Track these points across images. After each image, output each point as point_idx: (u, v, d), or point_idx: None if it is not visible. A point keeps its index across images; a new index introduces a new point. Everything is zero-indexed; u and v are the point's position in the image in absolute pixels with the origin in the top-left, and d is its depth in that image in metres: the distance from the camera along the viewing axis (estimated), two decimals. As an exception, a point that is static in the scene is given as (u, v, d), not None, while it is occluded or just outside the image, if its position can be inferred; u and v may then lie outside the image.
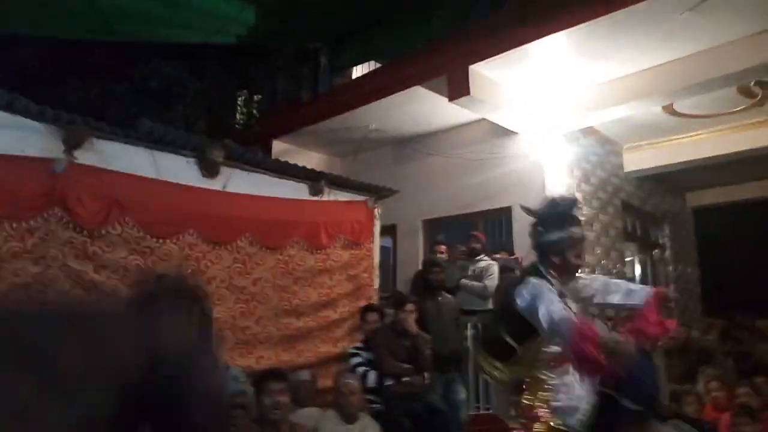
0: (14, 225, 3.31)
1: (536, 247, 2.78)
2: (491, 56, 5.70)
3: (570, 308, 2.60)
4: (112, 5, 5.70)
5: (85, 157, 3.67)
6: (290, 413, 3.45)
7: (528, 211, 2.89)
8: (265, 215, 4.51)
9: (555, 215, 2.76)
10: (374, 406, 4.14)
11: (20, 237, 3.33)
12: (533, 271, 2.74)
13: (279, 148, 7.82)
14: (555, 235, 2.69)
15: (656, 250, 8.89)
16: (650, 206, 8.74)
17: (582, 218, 6.93)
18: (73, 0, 5.85)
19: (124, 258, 3.68)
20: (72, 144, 3.64)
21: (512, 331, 2.70)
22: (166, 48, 6.92)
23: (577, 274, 2.80)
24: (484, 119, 6.80)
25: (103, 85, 6.40)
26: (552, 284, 2.62)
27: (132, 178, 3.83)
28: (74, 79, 6.43)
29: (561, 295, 2.60)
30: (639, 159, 8.07)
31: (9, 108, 3.41)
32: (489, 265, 5.81)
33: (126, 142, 3.92)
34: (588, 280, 2.92)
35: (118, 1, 5.68)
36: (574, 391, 2.55)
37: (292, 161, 5.09)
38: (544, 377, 2.63)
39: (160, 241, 3.87)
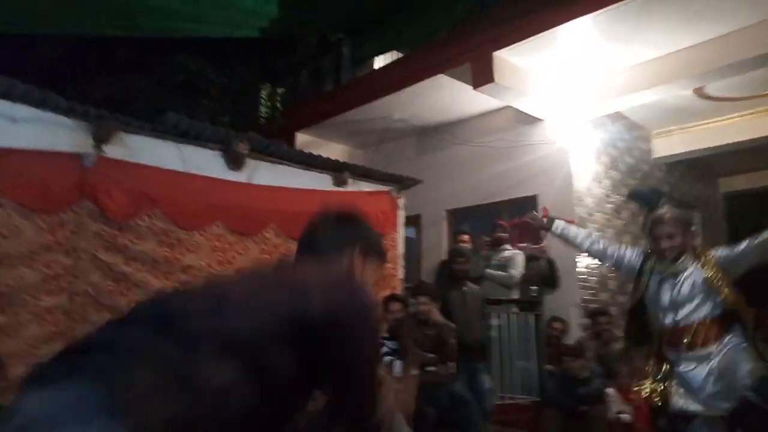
0: (46, 218, 3.40)
1: None
2: (515, 42, 5.62)
3: (674, 287, 3.00)
4: (136, 1, 5.77)
5: (113, 151, 3.74)
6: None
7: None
8: (290, 206, 4.54)
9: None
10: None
11: (52, 230, 3.42)
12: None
13: (302, 140, 7.86)
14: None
15: (687, 238, 8.69)
16: (680, 193, 8.54)
17: (611, 205, 6.87)
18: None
19: (153, 249, 3.75)
20: (101, 138, 3.71)
21: None
22: (191, 43, 6.99)
23: (671, 255, 3.06)
24: (508, 107, 6.72)
25: (128, 81, 6.50)
26: (654, 263, 3.09)
27: (159, 171, 3.90)
28: (100, 76, 6.55)
29: (664, 276, 3.03)
30: (669, 144, 7.88)
31: (40, 104, 3.49)
32: (514, 255, 5.76)
33: (153, 136, 3.98)
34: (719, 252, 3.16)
35: (143, -3, 5.75)
36: None
37: (315, 153, 5.11)
38: None
39: (188, 232, 3.93)
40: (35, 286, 3.29)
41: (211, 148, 4.28)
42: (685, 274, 3.02)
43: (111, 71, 6.79)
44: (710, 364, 2.87)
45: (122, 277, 3.60)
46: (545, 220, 3.48)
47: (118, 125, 3.81)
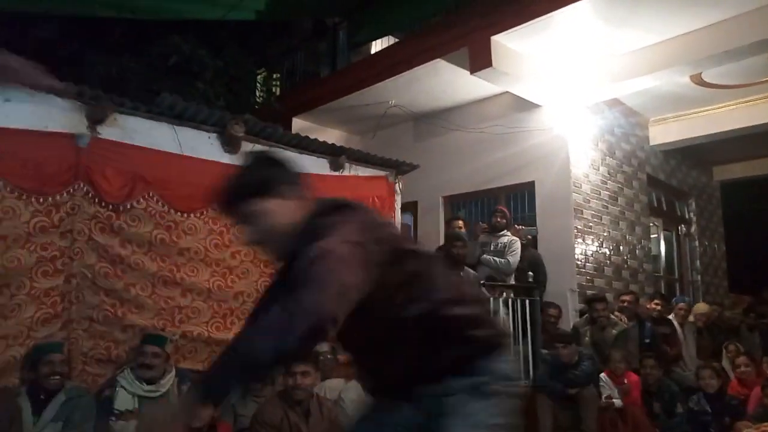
0: (41, 200, 3.36)
1: None
2: (513, 26, 5.57)
3: None
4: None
5: (108, 132, 3.70)
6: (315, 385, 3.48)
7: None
8: (287, 190, 4.50)
9: None
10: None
11: (47, 211, 3.39)
12: None
13: (299, 125, 7.80)
14: None
15: (682, 226, 8.74)
16: (676, 180, 8.57)
17: (608, 192, 6.87)
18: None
19: (149, 232, 3.72)
20: (95, 119, 3.66)
21: None
22: (185, 25, 6.90)
23: None
24: (506, 92, 6.68)
25: (122, 63, 6.41)
26: None
27: (155, 152, 3.86)
28: (93, 57, 6.47)
29: None
30: (665, 132, 7.88)
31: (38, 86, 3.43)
32: (511, 241, 5.75)
33: (148, 118, 3.93)
34: None
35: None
36: None
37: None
38: None
39: (184, 215, 3.90)
40: (31, 268, 3.26)
41: (207, 131, 4.23)
42: None
43: (104, 52, 6.70)
44: None
45: (118, 260, 3.57)
46: None
47: (112, 106, 3.75)
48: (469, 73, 5.98)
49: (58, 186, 3.45)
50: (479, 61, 5.83)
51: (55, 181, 3.45)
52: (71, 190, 3.48)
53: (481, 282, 5.18)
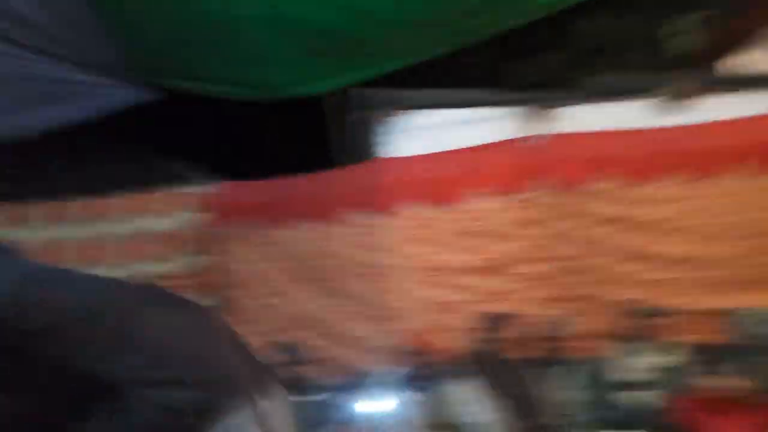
0: (516, 197, 4.02)
1: None
2: None
3: None
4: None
5: (555, 126, 4.02)
6: None
7: None
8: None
9: None
10: None
11: (515, 206, 4.02)
12: None
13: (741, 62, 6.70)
14: None
15: None
16: None
17: None
18: None
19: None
20: (539, 118, 4.06)
21: None
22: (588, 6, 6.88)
23: None
24: None
25: (542, 61, 6.86)
26: None
27: (601, 134, 4.04)
28: (514, 65, 7.17)
29: None
30: None
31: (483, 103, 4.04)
32: None
33: (580, 103, 4.11)
34: None
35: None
36: None
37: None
38: None
39: (639, 189, 3.98)
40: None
41: (639, 99, 4.12)
42: None
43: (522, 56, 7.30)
44: None
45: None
46: None
47: (551, 102, 4.07)
48: None
49: (525, 183, 4.05)
50: None
51: (522, 180, 4.05)
52: (537, 185, 4.03)
53: None
